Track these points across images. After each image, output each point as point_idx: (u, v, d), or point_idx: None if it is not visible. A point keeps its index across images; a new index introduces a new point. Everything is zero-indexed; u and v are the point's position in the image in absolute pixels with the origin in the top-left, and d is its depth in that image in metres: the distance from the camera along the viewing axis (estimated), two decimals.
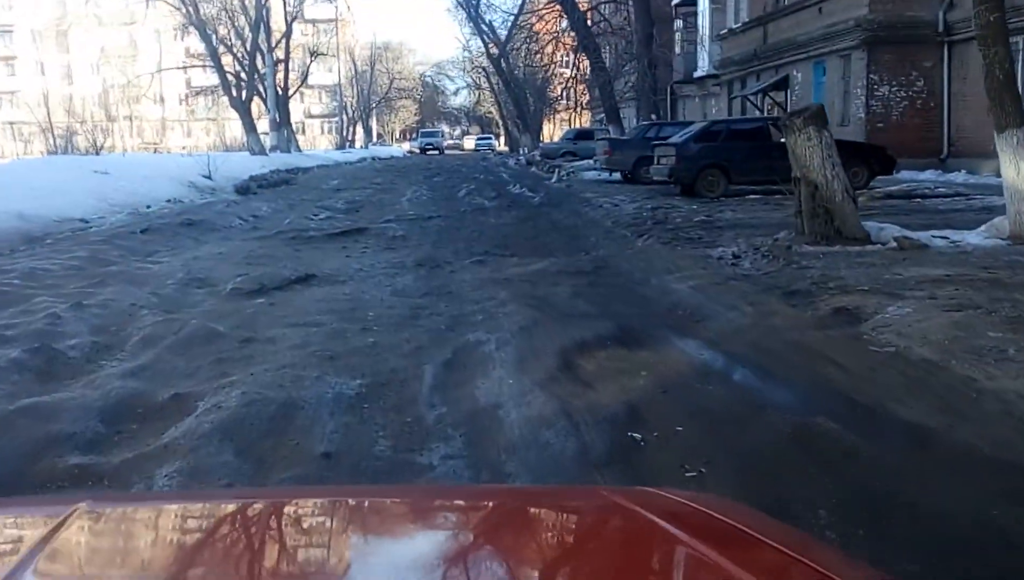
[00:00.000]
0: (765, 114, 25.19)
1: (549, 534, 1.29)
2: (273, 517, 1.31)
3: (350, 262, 9.59)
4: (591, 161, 29.27)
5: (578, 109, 47.30)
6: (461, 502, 1.43)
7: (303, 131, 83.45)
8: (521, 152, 45.06)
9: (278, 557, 1.15)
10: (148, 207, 14.84)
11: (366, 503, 1.43)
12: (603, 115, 46.91)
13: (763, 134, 15.81)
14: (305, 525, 1.29)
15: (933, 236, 8.29)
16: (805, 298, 6.21)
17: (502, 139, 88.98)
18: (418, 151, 66.42)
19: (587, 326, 5.60)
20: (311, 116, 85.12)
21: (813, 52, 22.49)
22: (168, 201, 15.79)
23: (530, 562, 1.14)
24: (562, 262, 8.97)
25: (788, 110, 24.02)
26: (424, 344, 5.40)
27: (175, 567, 1.10)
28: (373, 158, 52.68)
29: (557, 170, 23.54)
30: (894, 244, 8.04)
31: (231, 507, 1.37)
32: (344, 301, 7.13)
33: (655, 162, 16.52)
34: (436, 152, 63.77)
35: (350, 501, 1.43)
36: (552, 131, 56.78)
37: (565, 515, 1.37)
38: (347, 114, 65.73)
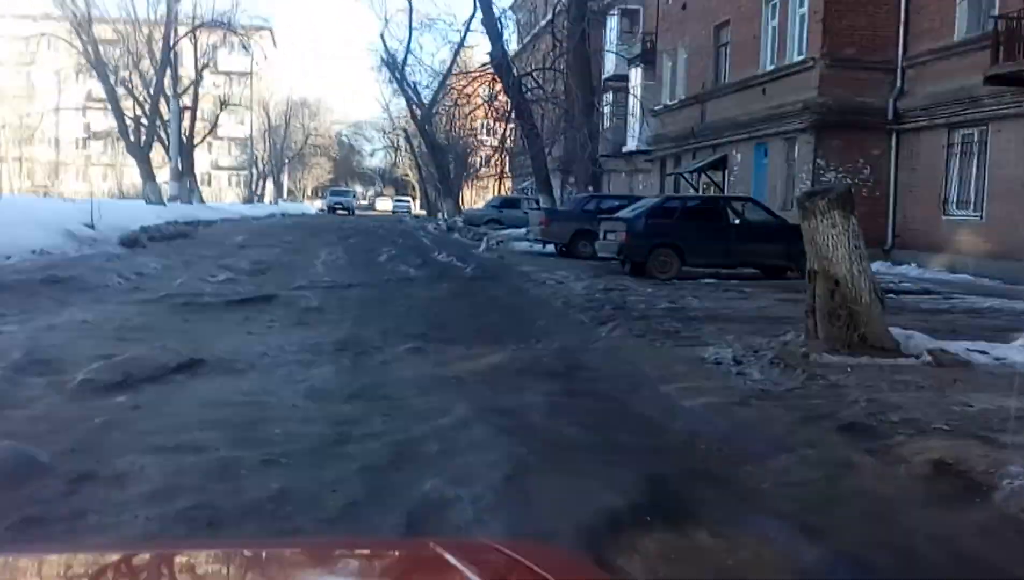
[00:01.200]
0: (700, 193, 24.27)
1: None
2: (170, 567, 1.31)
3: (252, 342, 7.64)
4: (519, 230, 27.88)
5: (500, 177, 46.18)
6: (294, 556, 1.42)
7: (209, 182, 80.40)
8: (440, 217, 43.48)
9: None
10: (8, 258, 12.51)
11: (262, 554, 1.44)
12: (526, 184, 45.89)
13: (719, 214, 14.59)
14: (198, 575, 1.30)
15: (968, 349, 6.87)
16: (873, 439, 4.59)
17: (417, 202, 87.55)
18: (327, 210, 63.24)
19: (598, 477, 3.85)
20: (219, 168, 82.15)
21: (755, 133, 21.67)
22: (34, 252, 13.47)
23: None
24: (520, 355, 7.23)
25: (724, 190, 23.16)
26: (358, 498, 3.56)
27: None
28: (283, 214, 50.34)
29: (485, 238, 21.95)
30: (928, 358, 6.58)
31: (124, 557, 1.38)
32: (240, 406, 5.21)
33: (601, 237, 15.06)
34: (345, 213, 60.41)
35: (245, 552, 1.45)
36: (472, 197, 55.55)
37: (389, 568, 1.37)
38: (257, 168, 63.32)
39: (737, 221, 14.72)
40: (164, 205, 30.82)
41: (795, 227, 15.58)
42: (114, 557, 1.41)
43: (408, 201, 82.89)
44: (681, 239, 13.77)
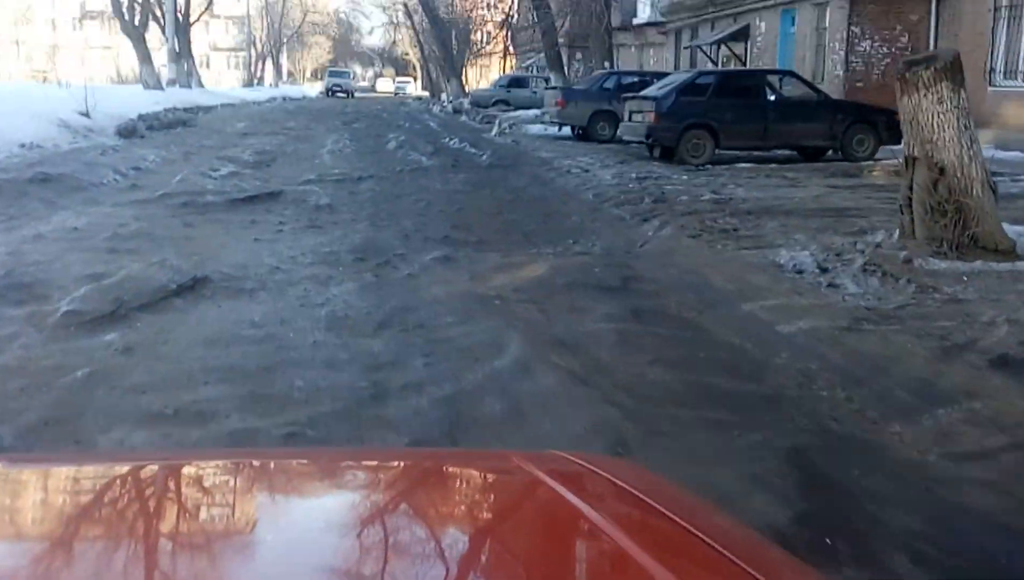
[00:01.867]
0: (720, 67, 22.85)
1: (447, 496, 1.28)
2: (177, 477, 1.29)
3: (261, 251, 6.77)
4: (530, 112, 26.57)
5: (505, 54, 44.25)
6: (368, 463, 1.42)
7: (208, 65, 77.84)
8: (444, 99, 41.86)
9: (179, 517, 1.13)
10: None
11: (271, 465, 1.40)
12: (531, 61, 43.96)
13: (757, 90, 13.37)
14: (207, 486, 1.25)
15: None
16: None
17: (419, 83, 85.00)
18: (324, 93, 59.21)
19: (723, 457, 3.06)
20: (217, 49, 79.49)
21: None
22: (23, 146, 12.46)
23: (424, 523, 1.13)
24: (563, 263, 6.37)
25: (746, 63, 21.76)
26: None
27: (77, 525, 1.08)
28: (284, 98, 48.57)
29: (496, 122, 20.69)
30: None
31: (133, 467, 1.34)
32: (252, 343, 4.39)
33: (625, 118, 13.91)
34: (344, 95, 56.75)
35: (254, 463, 1.40)
36: (476, 77, 53.55)
37: (467, 478, 1.37)
38: (256, 49, 60.97)
39: (775, 98, 13.54)
40: (163, 90, 29.39)
41: (839, 103, 14.65)
42: (127, 466, 1.39)
43: (409, 81, 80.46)
44: (716, 120, 12.65)
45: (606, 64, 20.24)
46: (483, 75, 54.25)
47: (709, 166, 12.64)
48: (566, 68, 37.37)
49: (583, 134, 18.16)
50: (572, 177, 11.68)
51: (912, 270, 5.44)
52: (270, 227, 8.04)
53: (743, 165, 12.69)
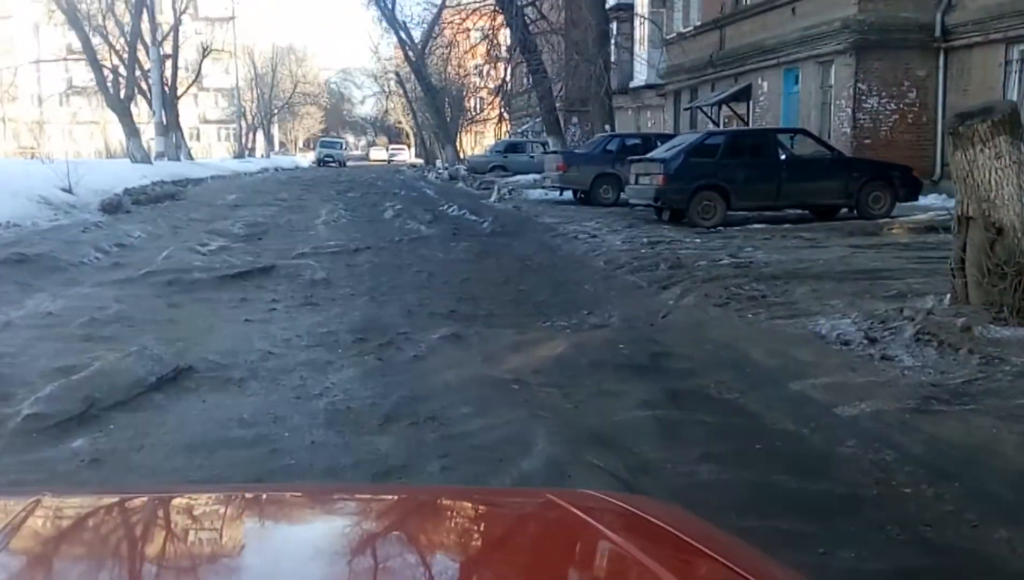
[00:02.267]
0: (722, 128, 22.61)
1: (477, 533, 1.28)
2: (228, 512, 1.29)
3: (251, 334, 6.21)
4: (528, 177, 26.30)
5: (500, 120, 44.31)
6: (404, 499, 1.43)
7: (198, 137, 78.16)
8: (439, 165, 41.75)
9: (225, 551, 1.13)
10: None
11: (303, 500, 1.41)
12: (525, 126, 44.02)
13: (769, 149, 12.98)
14: (245, 521, 1.27)
15: None
16: None
17: (412, 151, 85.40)
18: (316, 164, 58.34)
19: None
20: (207, 121, 79.94)
21: (784, 58, 19.96)
22: (1, 224, 11.96)
23: (457, 560, 1.14)
24: (583, 338, 5.81)
25: (748, 123, 21.53)
26: None
27: (130, 560, 1.10)
28: (276, 169, 48.50)
29: (495, 187, 20.34)
30: None
31: (185, 501, 1.35)
32: (240, 447, 3.81)
33: (632, 181, 13.50)
34: (336, 165, 56.35)
35: (287, 496, 1.42)
36: (471, 144, 53.66)
37: (500, 515, 1.37)
38: (246, 120, 61.20)
39: (787, 157, 13.15)
40: (151, 163, 29.09)
41: (852, 160, 14.25)
42: (138, 500, 1.39)
43: (403, 149, 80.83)
44: (727, 180, 12.23)
45: (606, 127, 20.01)
46: (478, 141, 54.39)
47: (721, 228, 12.17)
48: (563, 132, 37.38)
49: (585, 198, 17.77)
50: (580, 243, 11.19)
51: (972, 339, 4.90)
52: (262, 306, 7.50)
53: (756, 226, 12.23)
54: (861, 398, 4.18)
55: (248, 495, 1.44)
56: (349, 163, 63.93)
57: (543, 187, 19.31)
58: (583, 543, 1.18)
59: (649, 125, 31.33)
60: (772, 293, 6.98)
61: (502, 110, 36.85)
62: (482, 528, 1.30)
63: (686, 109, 23.63)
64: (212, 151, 69.98)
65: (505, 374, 4.98)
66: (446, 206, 17.91)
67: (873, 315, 5.69)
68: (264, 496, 1.42)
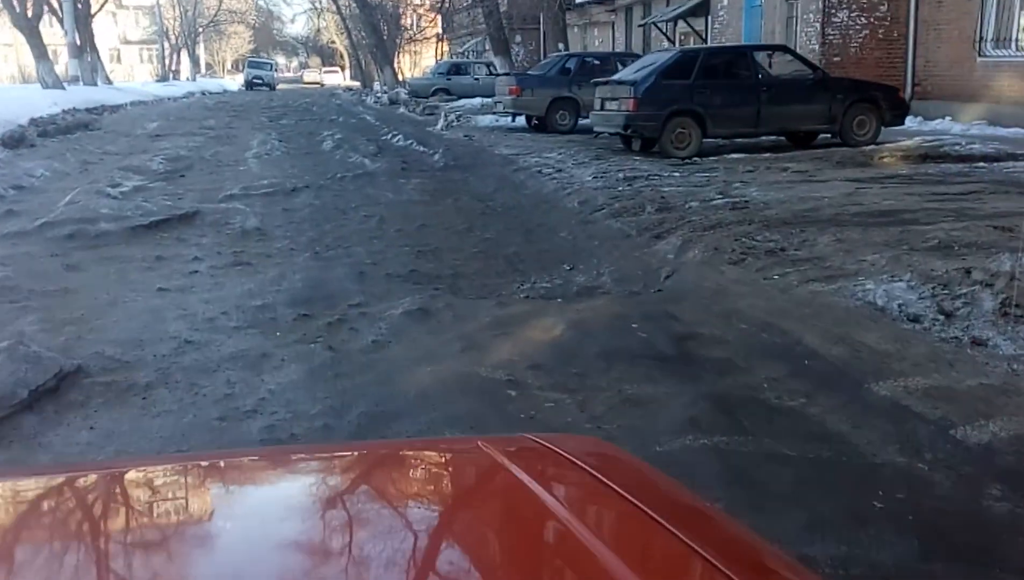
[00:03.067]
0: (677, 46, 21.34)
1: (411, 484, 1.28)
2: (190, 481, 1.27)
3: (165, 312, 4.97)
4: (474, 101, 24.80)
5: (439, 40, 42.26)
6: (334, 457, 1.43)
7: (119, 59, 74.03)
8: (378, 89, 39.73)
9: (192, 520, 1.14)
10: None
11: (242, 462, 1.44)
12: (466, 46, 42.05)
13: (748, 69, 11.76)
14: (170, 491, 1.24)
15: None
16: None
17: (347, 73, 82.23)
18: (244, 87, 54.04)
19: None
20: (128, 42, 75.76)
21: None
22: None
23: (384, 511, 1.15)
24: (583, 313, 4.70)
25: (707, 40, 20.32)
26: None
27: (94, 538, 1.08)
28: (203, 93, 45.91)
29: (442, 113, 18.83)
30: None
31: (143, 474, 1.33)
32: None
33: (596, 107, 12.21)
34: (266, 88, 52.56)
35: (221, 463, 1.40)
36: (410, 65, 51.41)
37: (429, 465, 1.37)
38: (170, 40, 57.76)
39: (767, 78, 11.97)
40: (63, 88, 26.78)
41: (837, 80, 13.04)
42: (138, 471, 1.37)
43: (336, 71, 77.78)
44: (702, 105, 11.05)
45: (560, 46, 18.50)
46: (416, 63, 52.15)
47: (697, 159, 11.05)
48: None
49: (540, 125, 16.47)
50: (545, 179, 9.98)
51: None
52: (181, 267, 6.23)
53: (734, 156, 11.12)
54: (983, 414, 3.15)
55: (205, 463, 1.40)
56: (280, 86, 60.84)
57: (493, 113, 17.88)
58: (501, 493, 1.18)
59: (597, 44, 29.90)
60: (790, 245, 5.91)
61: (442, 28, 34.89)
62: (403, 482, 1.28)
63: (640, 25, 22.23)
64: (134, 74, 66.23)
65: (495, 372, 3.85)
66: (390, 135, 16.46)
67: (931, 277, 4.67)
68: (221, 463, 1.39)
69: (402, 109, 26.28)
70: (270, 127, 20.14)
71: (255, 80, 53.93)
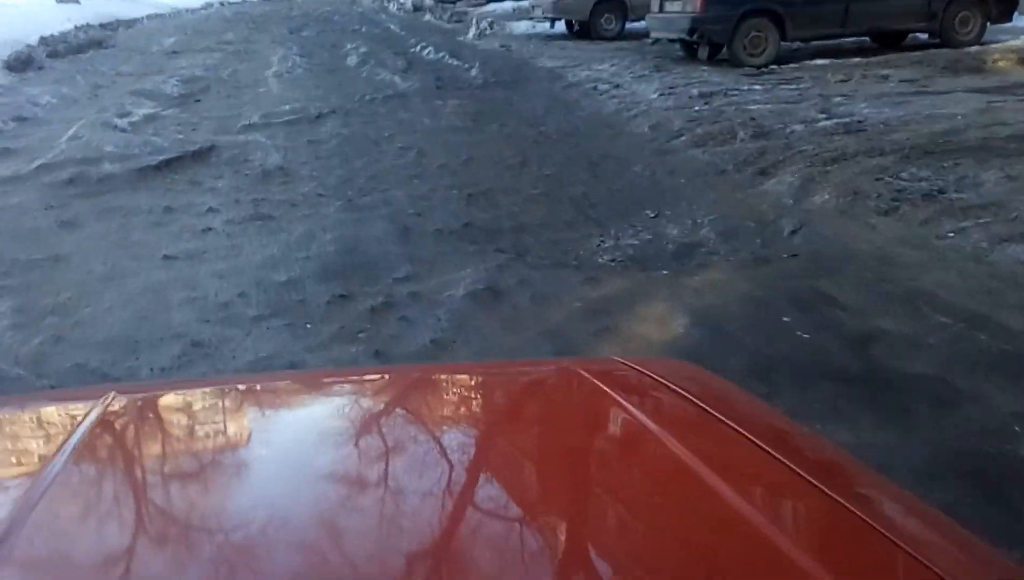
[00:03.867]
0: None
1: (504, 405, 1.28)
2: (295, 399, 1.29)
3: (170, 293, 4.03)
4: (506, 4, 23.18)
5: None
6: (427, 377, 1.42)
7: None
8: None
9: (301, 436, 1.11)
10: None
11: (309, 381, 1.43)
12: None
13: None
14: (321, 403, 1.27)
15: None
16: None
17: None
18: None
19: None
20: None
21: None
22: None
23: (483, 432, 1.13)
24: (703, 290, 3.68)
25: None
26: None
27: (205, 451, 1.08)
28: (222, 3, 44.13)
29: (474, 21, 17.39)
30: None
31: (255, 390, 1.33)
32: None
33: (655, 8, 10.85)
34: None
35: (325, 380, 1.41)
36: None
37: (524, 386, 1.35)
38: None
39: None
40: (78, 3, 25.50)
41: None
42: (256, 388, 1.37)
43: None
44: (781, 2, 9.68)
45: None
46: None
47: (774, 67, 9.76)
48: None
49: (583, 31, 15.07)
50: (604, 97, 8.80)
51: None
52: (192, 222, 5.26)
53: (817, 62, 9.82)
54: None
55: (290, 383, 1.40)
56: None
57: (531, 18, 16.41)
58: (599, 412, 1.16)
59: None
60: (948, 184, 4.76)
61: None
62: (498, 399, 1.29)
63: None
64: None
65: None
66: (418, 47, 15.16)
67: None
68: (297, 382, 1.39)
69: (428, 16, 24.72)
70: (291, 40, 18.85)
71: None
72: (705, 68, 9.95)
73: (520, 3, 23.25)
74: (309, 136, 7.80)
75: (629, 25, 14.48)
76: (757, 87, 8.44)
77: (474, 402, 1.26)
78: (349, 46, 16.14)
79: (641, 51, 12.28)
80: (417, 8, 28.17)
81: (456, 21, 21.19)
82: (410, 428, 1.12)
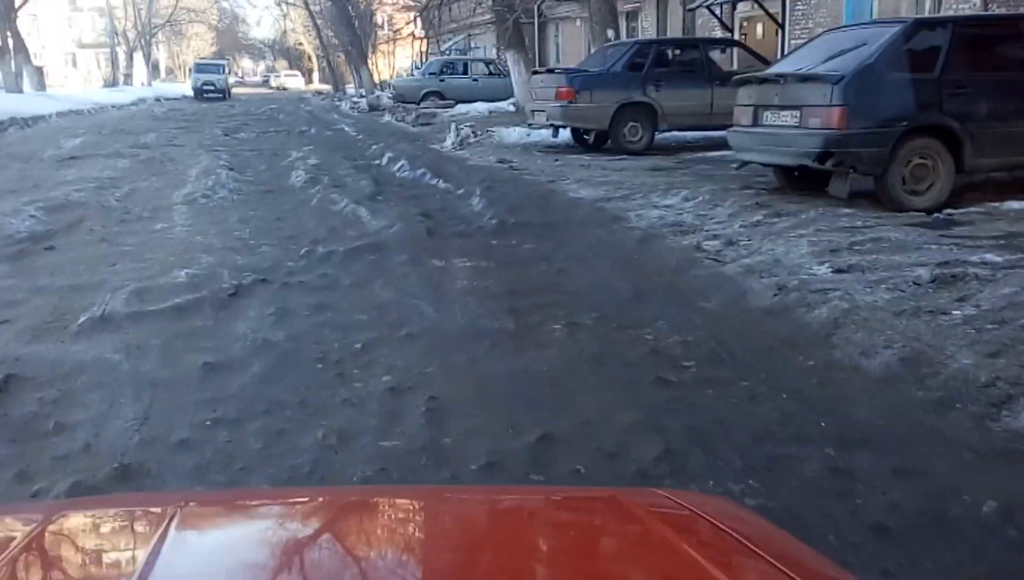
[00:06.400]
0: (736, 36, 16.70)
1: (540, 534, 1.21)
2: (372, 513, 1.27)
3: None
4: (477, 107, 20.05)
5: (424, 37, 37.33)
6: (467, 501, 1.38)
7: (74, 64, 68.43)
8: (353, 93, 34.77)
9: (381, 551, 1.10)
10: None
11: (347, 499, 1.40)
12: (451, 44, 37.21)
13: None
14: (364, 522, 1.23)
15: None
16: None
17: (314, 76, 76.98)
18: (194, 95, 41.96)
19: None
20: (83, 45, 70.20)
21: None
22: None
23: (521, 562, 1.08)
24: None
25: (784, 25, 15.67)
26: None
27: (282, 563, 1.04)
28: (157, 99, 40.64)
29: (453, 128, 13.79)
30: None
31: (325, 505, 1.31)
32: None
33: (743, 120, 7.27)
34: (218, 95, 41.18)
35: (350, 499, 1.40)
36: (384, 67, 46.39)
37: (562, 517, 1.30)
38: (124, 42, 52.27)
39: None
40: None
41: None
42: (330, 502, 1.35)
43: (295, 75, 72.85)
44: (959, 115, 6.21)
45: (610, 33, 13.65)
46: (391, 64, 47.10)
47: (952, 212, 6.35)
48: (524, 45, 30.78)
49: (596, 142, 11.74)
50: (727, 269, 5.19)
51: None
52: None
53: (1014, 206, 6.40)
54: None
55: (359, 498, 1.40)
56: (243, 90, 54.82)
57: (529, 125, 12.92)
58: (640, 545, 1.13)
59: (625, 31, 25.16)
60: None
61: (429, 23, 29.94)
62: (535, 528, 1.23)
63: (690, 9, 17.41)
64: (92, 79, 60.61)
65: None
66: (385, 158, 11.65)
67: None
68: (376, 498, 1.39)
69: (387, 117, 21.38)
70: (222, 144, 15.26)
71: (206, 87, 41.70)
72: (846, 210, 6.45)
73: (496, 105, 20.11)
74: (209, 348, 4.06)
75: (658, 135, 11.21)
76: (992, 257, 4.93)
77: (511, 530, 1.20)
78: (295, 155, 12.59)
79: (695, 171, 8.90)
80: (374, 108, 24.99)
81: (423, 124, 17.86)
82: (447, 555, 1.08)
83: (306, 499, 1.38)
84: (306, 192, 9.09)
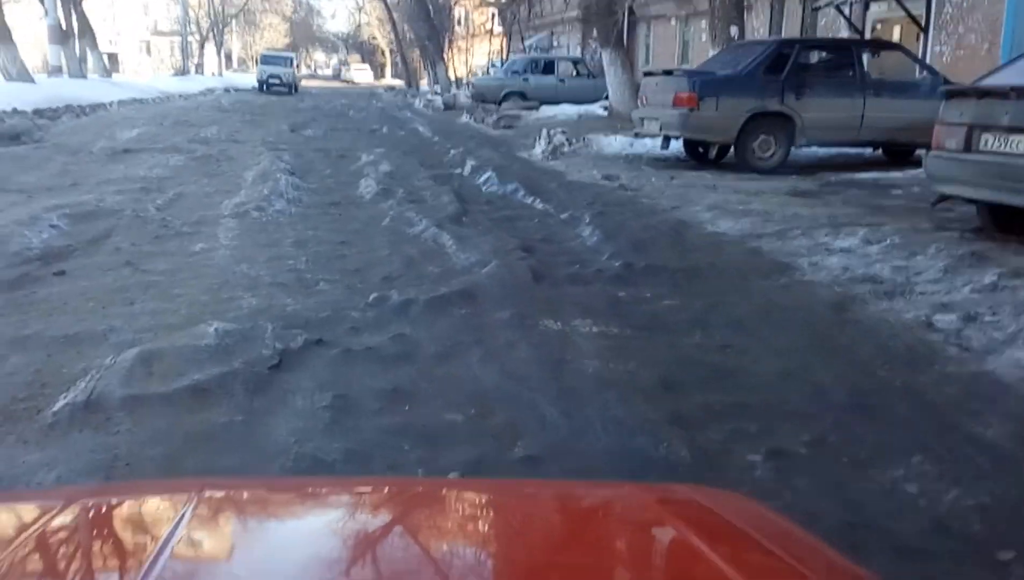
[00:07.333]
0: (868, 35, 14.86)
1: (554, 528, 1.18)
2: (386, 505, 1.22)
3: None
4: (564, 109, 18.52)
5: (500, 35, 35.98)
6: (480, 495, 1.33)
7: (148, 51, 68.73)
8: (428, 90, 33.53)
9: (402, 542, 1.06)
10: None
11: (343, 490, 1.33)
12: (532, 40, 35.76)
13: None
14: (384, 511, 1.19)
15: None
16: None
17: (387, 70, 76.37)
18: (259, 87, 39.59)
19: None
20: (159, 32, 70.52)
21: None
22: None
23: (533, 556, 1.06)
24: None
25: (927, 27, 13.76)
26: None
27: (298, 549, 1.01)
28: (227, 89, 40.01)
29: (544, 134, 12.24)
30: None
31: (348, 493, 1.28)
32: None
33: (945, 142, 5.45)
34: (284, 89, 38.77)
35: (360, 489, 1.32)
36: (461, 63, 45.14)
37: (577, 510, 1.27)
38: (198, 31, 51.96)
39: None
40: (32, 81, 20.93)
41: None
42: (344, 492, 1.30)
43: (365, 68, 72.40)
44: None
45: (732, 30, 11.94)
46: (467, 60, 45.83)
47: None
48: (580, 50, 29.17)
49: (719, 157, 10.10)
50: (978, 366, 3.60)
51: None
52: None
53: None
54: None
55: (393, 489, 1.33)
56: (313, 83, 53.93)
57: (636, 134, 11.21)
58: (654, 540, 1.12)
59: (734, 32, 23.32)
60: None
61: (513, 17, 28.48)
62: (557, 522, 1.20)
63: (815, 9, 15.61)
64: (164, 67, 60.65)
65: None
66: (467, 166, 10.18)
67: None
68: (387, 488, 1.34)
69: (465, 118, 19.95)
70: (286, 141, 14.00)
71: (271, 79, 39.50)
72: None
73: (585, 108, 18.53)
74: (229, 468, 2.58)
75: (794, 151, 9.54)
76: None
77: (526, 523, 1.17)
78: (364, 158, 11.21)
79: (854, 200, 7.23)
80: (449, 107, 23.60)
81: (505, 127, 16.38)
82: (469, 548, 1.07)
83: (326, 489, 1.34)
84: (377, 207, 7.66)
